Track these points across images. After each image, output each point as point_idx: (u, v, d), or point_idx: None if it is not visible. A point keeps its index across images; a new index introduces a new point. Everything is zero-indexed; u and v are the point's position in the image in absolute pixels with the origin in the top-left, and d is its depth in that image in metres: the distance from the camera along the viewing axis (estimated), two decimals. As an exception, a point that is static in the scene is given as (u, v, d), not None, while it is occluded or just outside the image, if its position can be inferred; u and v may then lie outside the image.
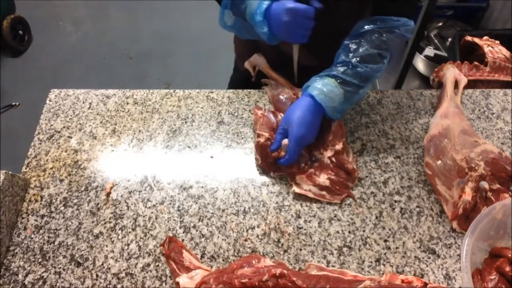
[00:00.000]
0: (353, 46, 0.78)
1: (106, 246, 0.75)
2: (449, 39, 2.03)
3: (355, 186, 0.82)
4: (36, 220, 0.78)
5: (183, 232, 0.76)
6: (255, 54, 1.00)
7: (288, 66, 0.93)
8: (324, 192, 0.80)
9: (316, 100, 0.77)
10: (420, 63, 2.11)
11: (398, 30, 0.78)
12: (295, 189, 0.80)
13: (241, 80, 1.13)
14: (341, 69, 0.77)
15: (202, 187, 0.83)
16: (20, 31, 2.56)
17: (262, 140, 0.82)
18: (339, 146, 0.82)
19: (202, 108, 0.96)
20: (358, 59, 0.77)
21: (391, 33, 0.78)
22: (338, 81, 0.77)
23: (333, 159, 0.82)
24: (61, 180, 0.84)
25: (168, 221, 0.78)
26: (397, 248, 0.74)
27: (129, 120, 0.94)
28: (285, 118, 0.81)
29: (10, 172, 0.77)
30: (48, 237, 0.76)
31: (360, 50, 0.77)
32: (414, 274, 0.71)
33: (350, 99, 0.79)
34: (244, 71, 1.04)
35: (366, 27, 0.78)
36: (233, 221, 0.78)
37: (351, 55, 0.78)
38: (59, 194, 0.82)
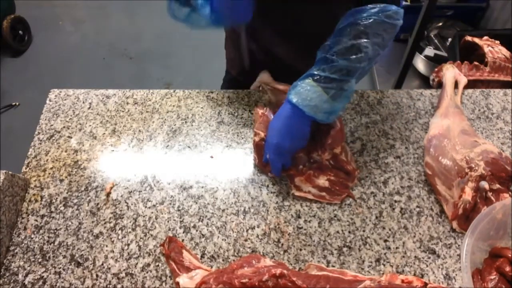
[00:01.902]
0: (329, 43, 0.75)
1: (106, 246, 0.75)
2: (449, 39, 2.03)
3: (355, 186, 0.82)
4: (36, 220, 0.78)
5: (183, 232, 0.76)
6: (260, 73, 0.99)
7: (284, 70, 0.93)
8: (323, 193, 0.80)
9: (293, 103, 0.73)
10: (420, 63, 2.11)
11: (376, 17, 0.73)
12: (295, 192, 0.80)
13: (233, 83, 1.14)
14: (318, 66, 0.75)
15: (202, 187, 0.83)
16: (20, 31, 2.56)
17: (257, 139, 0.82)
18: (337, 150, 0.82)
19: (202, 108, 0.96)
20: (335, 53, 0.73)
21: (368, 21, 0.73)
22: (315, 78, 0.73)
23: (331, 161, 0.82)
24: (61, 180, 0.84)
25: (168, 221, 0.78)
26: (397, 248, 0.74)
27: (129, 120, 0.94)
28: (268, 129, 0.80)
29: (10, 172, 0.77)
30: (48, 237, 0.76)
31: (336, 45, 0.74)
32: (414, 274, 0.71)
33: (337, 97, 0.74)
34: (236, 75, 1.04)
35: (343, 22, 0.76)
36: (233, 221, 0.78)
37: (328, 51, 0.75)
38: (59, 194, 0.82)
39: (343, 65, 0.73)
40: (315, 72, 0.74)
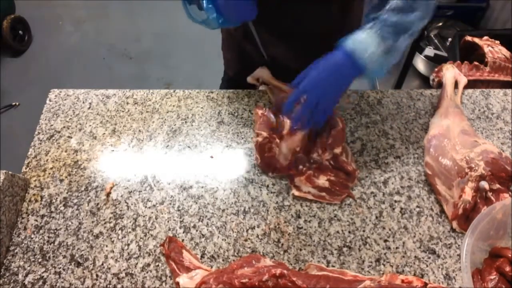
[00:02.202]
0: (375, 10, 0.73)
1: (106, 246, 0.75)
2: (449, 39, 2.03)
3: (355, 186, 0.82)
4: (36, 220, 0.78)
5: (183, 232, 0.76)
6: (259, 68, 0.99)
7: (283, 68, 0.93)
8: (323, 194, 0.80)
9: (347, 51, 0.69)
10: (420, 63, 2.11)
11: None
12: (295, 192, 0.80)
13: (231, 83, 1.14)
14: (371, 23, 0.72)
15: (202, 187, 0.83)
16: (20, 31, 2.56)
17: (260, 139, 0.82)
18: (338, 150, 0.81)
19: (202, 108, 0.96)
20: (387, 10, 0.71)
21: None
22: (371, 26, 0.70)
23: (332, 161, 0.82)
24: (61, 180, 0.84)
25: (168, 221, 0.78)
26: (397, 248, 0.74)
27: (129, 120, 0.94)
28: (302, 74, 0.75)
29: (10, 172, 0.77)
30: (48, 237, 0.76)
31: (389, 4, 0.71)
32: (414, 274, 0.71)
33: (390, 50, 0.71)
34: (233, 76, 1.04)
35: None
36: (233, 221, 0.78)
37: (379, 10, 0.72)
38: (59, 194, 0.82)
39: (397, 20, 0.70)
40: (370, 24, 0.71)
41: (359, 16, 0.97)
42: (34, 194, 0.82)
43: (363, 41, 0.70)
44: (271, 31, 0.92)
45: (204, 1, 0.75)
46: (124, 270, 0.72)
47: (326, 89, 0.73)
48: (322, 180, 0.80)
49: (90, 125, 0.93)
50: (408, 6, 0.71)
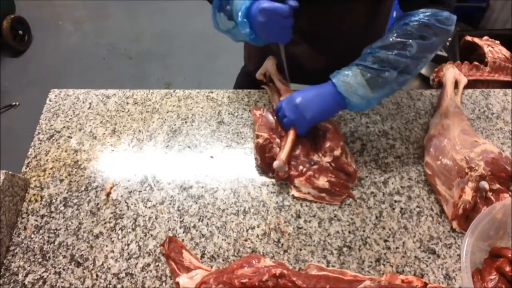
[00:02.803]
0: (377, 42, 0.76)
1: (106, 246, 0.75)
2: (449, 39, 2.03)
3: (355, 186, 0.82)
4: (36, 220, 0.78)
5: (183, 232, 0.76)
6: (268, 57, 0.99)
7: (297, 66, 0.92)
8: (323, 194, 0.80)
9: (332, 80, 0.76)
10: (420, 63, 2.11)
11: (426, 20, 0.73)
12: (294, 193, 0.80)
13: (249, 77, 1.11)
14: (361, 57, 0.76)
15: (202, 187, 0.83)
16: (20, 31, 2.56)
17: (261, 140, 0.82)
18: (337, 152, 0.81)
19: (202, 108, 0.96)
20: (378, 47, 0.74)
21: (417, 23, 0.74)
22: (356, 64, 0.75)
23: (333, 163, 0.81)
24: (61, 180, 0.84)
25: (168, 221, 0.78)
26: (397, 248, 0.74)
27: (129, 120, 0.94)
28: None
29: (10, 172, 0.77)
30: (48, 237, 0.76)
31: (381, 41, 0.75)
32: (414, 274, 0.71)
33: (374, 84, 0.74)
34: (254, 70, 1.02)
35: (393, 25, 0.77)
36: (233, 221, 0.78)
37: (371, 46, 0.76)
38: (59, 194, 0.82)
39: (383, 57, 0.73)
40: (356, 62, 0.75)
41: (385, 22, 0.98)
42: (34, 194, 0.82)
43: (347, 76, 0.74)
44: (295, 30, 0.91)
45: (239, 14, 0.75)
46: (124, 270, 0.72)
47: (310, 105, 0.79)
48: (322, 181, 0.80)
49: (90, 125, 0.93)
50: (400, 43, 0.73)
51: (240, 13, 0.74)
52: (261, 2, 0.72)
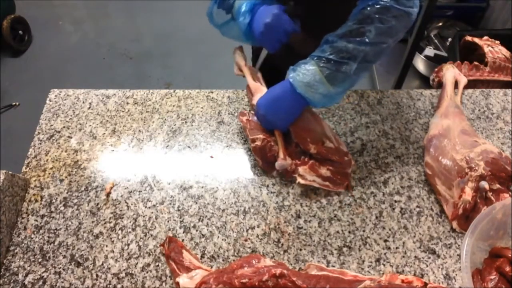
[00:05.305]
0: (338, 29, 0.74)
1: (106, 246, 0.75)
2: (449, 39, 2.03)
3: (355, 186, 0.82)
4: (36, 220, 0.78)
5: (183, 232, 0.76)
6: (235, 49, 0.99)
7: (292, 54, 0.92)
8: (327, 183, 0.80)
9: (289, 80, 0.75)
10: (420, 63, 2.11)
11: (384, 2, 0.70)
12: (300, 180, 0.78)
13: (268, 63, 1.06)
14: (319, 48, 0.74)
15: (202, 187, 0.83)
16: (20, 31, 2.56)
17: (259, 143, 0.82)
18: (313, 150, 0.80)
19: (202, 108, 0.96)
20: (336, 35, 0.73)
21: (376, 6, 0.71)
22: (314, 58, 0.73)
23: (319, 156, 0.81)
24: (61, 180, 0.84)
25: (168, 221, 0.78)
26: (397, 248, 0.74)
27: (129, 120, 0.94)
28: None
29: (10, 172, 0.77)
30: (48, 237, 0.76)
31: (341, 29, 0.73)
32: (414, 274, 0.71)
33: (334, 80, 0.73)
34: (278, 59, 1.02)
35: (355, 9, 0.75)
36: (233, 221, 0.78)
37: (331, 34, 0.74)
38: (59, 194, 0.82)
39: (342, 46, 0.71)
40: (315, 53, 0.74)
41: None
42: (34, 194, 0.82)
43: (305, 76, 0.73)
44: (303, 28, 0.90)
45: (244, 6, 0.76)
46: (124, 270, 0.72)
47: (270, 110, 0.80)
48: (324, 170, 0.80)
49: (90, 125, 0.93)
50: (358, 30, 0.71)
51: (246, 3, 0.76)
52: (275, 7, 0.73)
